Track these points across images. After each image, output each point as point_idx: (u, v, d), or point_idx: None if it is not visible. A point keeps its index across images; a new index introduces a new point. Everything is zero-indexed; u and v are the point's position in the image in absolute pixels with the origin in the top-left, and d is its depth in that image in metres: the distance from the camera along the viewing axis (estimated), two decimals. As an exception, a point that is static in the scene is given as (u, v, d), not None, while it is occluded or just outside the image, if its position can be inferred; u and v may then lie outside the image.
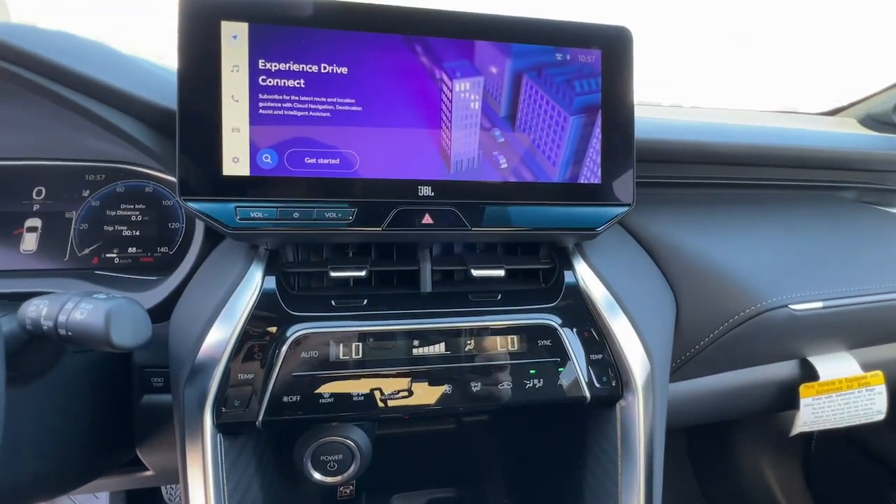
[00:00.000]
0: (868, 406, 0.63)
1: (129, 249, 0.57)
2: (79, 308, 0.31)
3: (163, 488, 1.01)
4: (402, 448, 0.65)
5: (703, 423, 0.67)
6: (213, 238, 0.51)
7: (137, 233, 0.58)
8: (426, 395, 0.43)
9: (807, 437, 1.10)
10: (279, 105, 0.44)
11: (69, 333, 0.31)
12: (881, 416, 0.64)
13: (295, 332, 0.41)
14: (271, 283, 0.44)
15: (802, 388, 0.61)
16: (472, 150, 0.47)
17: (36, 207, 0.57)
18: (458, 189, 0.46)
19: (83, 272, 0.55)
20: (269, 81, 0.44)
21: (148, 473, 0.58)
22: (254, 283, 0.43)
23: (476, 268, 0.48)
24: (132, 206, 0.58)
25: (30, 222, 0.56)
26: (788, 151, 0.63)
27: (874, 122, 0.86)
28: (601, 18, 0.50)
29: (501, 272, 0.48)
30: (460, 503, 0.56)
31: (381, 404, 0.42)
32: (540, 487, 0.55)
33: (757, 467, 1.12)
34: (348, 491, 0.59)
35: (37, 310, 0.32)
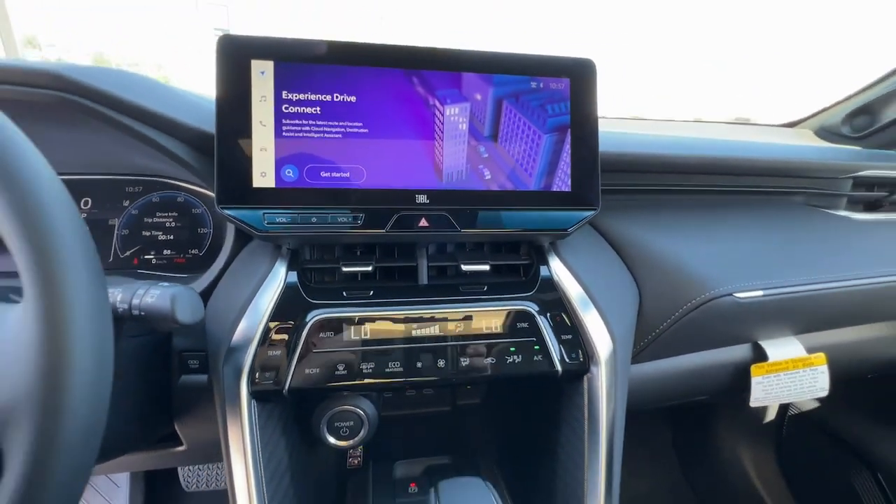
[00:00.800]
0: (812, 384, 0.71)
1: (165, 251, 0.66)
2: (149, 293, 0.39)
3: (180, 474, 1.09)
4: (405, 427, 0.73)
5: (671, 403, 0.75)
6: (242, 240, 0.59)
7: (171, 237, 0.66)
8: (424, 369, 0.51)
9: (779, 423, 1.18)
10: (299, 128, 0.52)
11: (142, 313, 0.39)
12: (824, 393, 0.72)
13: (314, 317, 0.50)
14: (293, 277, 0.52)
15: (753, 368, 0.70)
16: (461, 163, 0.56)
17: (84, 216, 0.65)
18: (450, 197, 0.55)
19: (126, 272, 0.64)
20: (291, 109, 0.52)
21: (180, 449, 0.65)
22: (279, 277, 0.52)
23: (465, 263, 0.56)
24: (166, 214, 0.67)
25: (78, 229, 0.65)
26: (743, 162, 0.72)
27: (826, 132, 0.95)
28: (585, 48, 0.58)
29: (486, 267, 0.57)
30: (455, 468, 0.63)
31: (386, 377, 0.50)
32: (523, 453, 0.63)
33: (734, 452, 1.21)
34: (356, 462, 0.67)
35: (112, 295, 0.41)
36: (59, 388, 0.27)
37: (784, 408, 1.14)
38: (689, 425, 1.32)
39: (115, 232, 0.65)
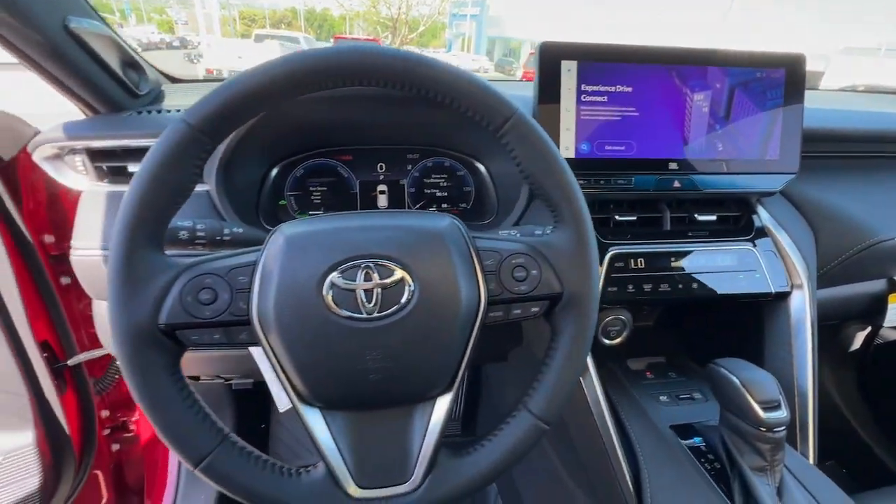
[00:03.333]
0: (934, 310, 0.91)
1: (442, 205, 0.85)
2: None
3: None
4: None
5: (825, 323, 0.95)
6: (531, 196, 0.77)
7: (445, 194, 0.85)
8: (684, 289, 0.71)
9: (863, 351, 1.39)
10: (592, 113, 0.70)
11: None
12: (944, 317, 0.92)
13: (611, 252, 0.70)
14: None
15: (891, 297, 0.89)
16: (702, 138, 0.73)
17: (381, 177, 0.84)
18: (693, 164, 0.73)
19: (418, 220, 0.84)
20: (587, 98, 0.70)
21: None
22: None
23: (700, 214, 0.75)
24: (438, 176, 0.86)
25: (380, 188, 0.84)
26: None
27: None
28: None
29: (714, 217, 0.76)
30: (668, 365, 0.86)
31: (660, 295, 0.71)
32: (721, 356, 0.84)
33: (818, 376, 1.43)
34: None
35: None
36: (593, 283, 0.48)
37: (870, 338, 1.34)
38: None
39: (406, 190, 0.85)
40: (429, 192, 0.85)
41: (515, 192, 0.79)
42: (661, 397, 0.76)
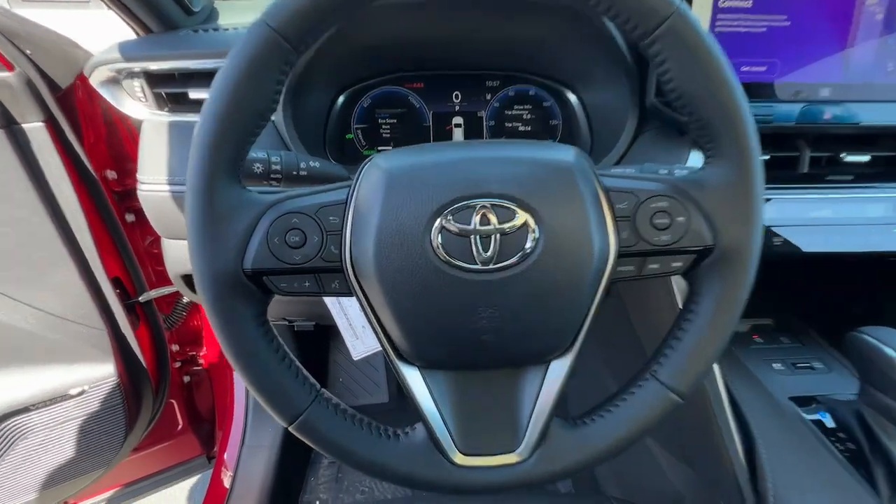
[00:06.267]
0: None
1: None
2: None
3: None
4: None
5: None
6: (639, 128, 0.66)
7: (529, 128, 0.75)
8: (820, 241, 0.60)
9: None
10: (731, 23, 0.56)
11: None
12: None
13: None
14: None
15: None
16: (870, 57, 0.58)
17: (457, 108, 0.74)
18: (852, 90, 0.59)
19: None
20: (727, 3, 0.56)
21: None
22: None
23: (848, 153, 0.62)
24: (522, 107, 0.75)
25: (455, 120, 0.75)
26: None
27: None
28: None
29: (867, 157, 0.62)
30: (777, 329, 0.76)
31: (788, 245, 0.60)
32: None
33: None
34: None
35: None
36: (755, 237, 0.38)
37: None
38: None
39: (484, 123, 0.75)
40: (510, 125, 0.75)
41: (613, 126, 0.67)
42: (773, 364, 0.67)
